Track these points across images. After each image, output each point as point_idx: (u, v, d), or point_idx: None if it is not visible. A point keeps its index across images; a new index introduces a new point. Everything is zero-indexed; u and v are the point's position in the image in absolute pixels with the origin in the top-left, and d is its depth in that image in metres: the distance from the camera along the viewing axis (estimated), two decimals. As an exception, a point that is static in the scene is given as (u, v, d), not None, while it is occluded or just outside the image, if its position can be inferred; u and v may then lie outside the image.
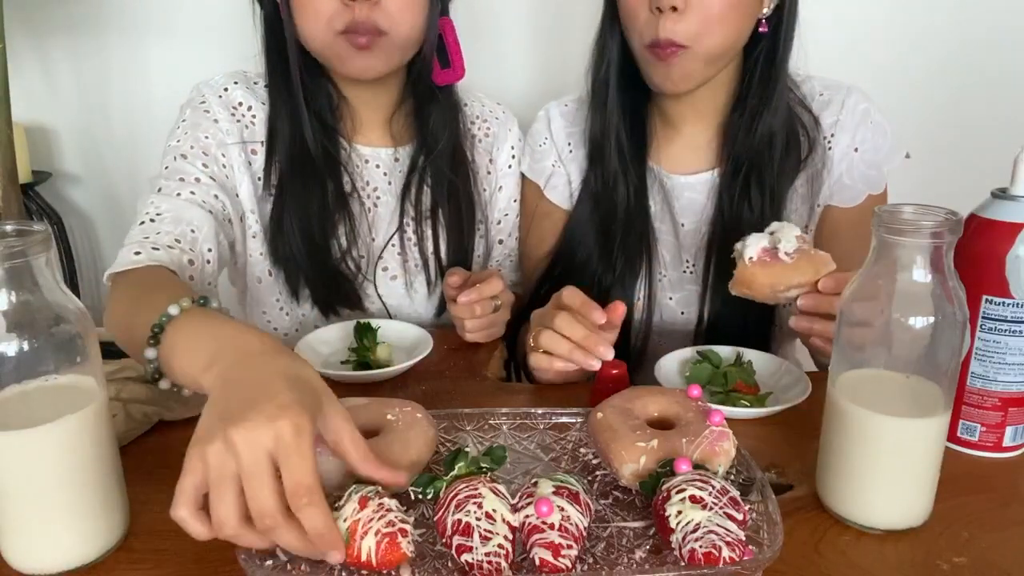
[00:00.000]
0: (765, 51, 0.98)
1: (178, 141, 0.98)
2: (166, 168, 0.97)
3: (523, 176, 1.15)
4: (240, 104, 1.01)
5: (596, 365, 0.80)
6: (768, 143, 0.99)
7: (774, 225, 0.82)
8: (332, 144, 1.03)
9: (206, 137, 0.99)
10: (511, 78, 1.67)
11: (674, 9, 0.88)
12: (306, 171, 1.01)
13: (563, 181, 1.11)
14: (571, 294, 0.83)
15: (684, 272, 1.07)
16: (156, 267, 0.82)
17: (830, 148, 1.02)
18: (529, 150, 1.14)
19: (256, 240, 1.04)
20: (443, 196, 1.07)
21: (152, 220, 0.90)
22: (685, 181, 1.05)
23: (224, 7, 1.65)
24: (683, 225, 1.06)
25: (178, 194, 0.94)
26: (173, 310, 0.66)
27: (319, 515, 0.50)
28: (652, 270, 1.05)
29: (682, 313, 1.08)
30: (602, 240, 1.05)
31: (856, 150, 1.02)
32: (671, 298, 1.08)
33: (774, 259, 0.79)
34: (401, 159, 1.08)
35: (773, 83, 0.98)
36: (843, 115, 1.02)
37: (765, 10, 0.95)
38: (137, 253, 0.83)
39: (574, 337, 0.80)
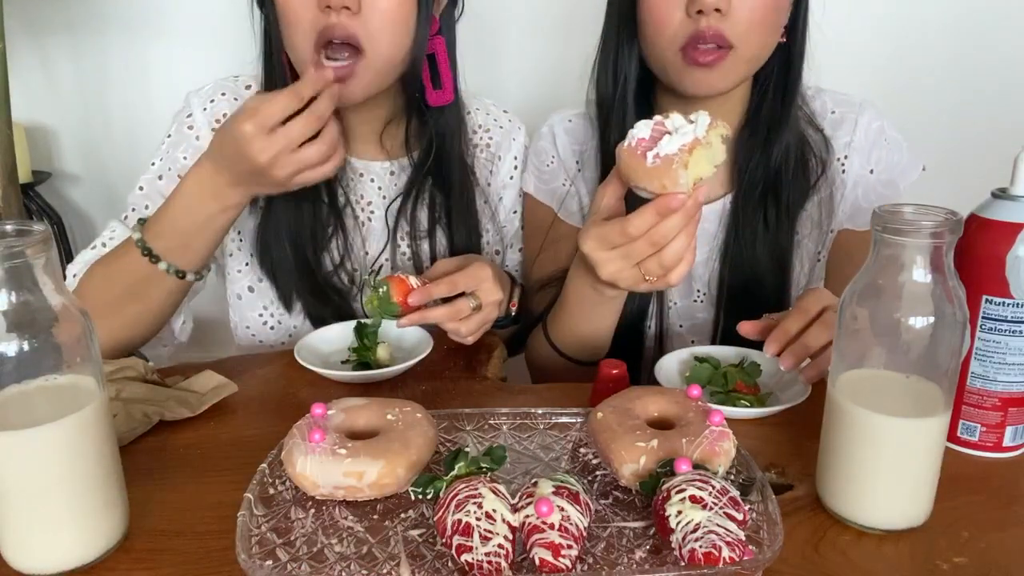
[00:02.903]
0: (779, 64, 0.95)
1: (161, 160, 1.02)
2: (140, 189, 1.02)
3: (532, 196, 1.10)
4: (224, 115, 1.01)
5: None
6: (783, 162, 0.96)
7: (694, 115, 0.74)
8: None
9: (184, 158, 1.01)
10: (513, 85, 1.67)
11: (717, 11, 0.85)
12: None
13: (575, 201, 1.07)
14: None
15: (694, 301, 1.05)
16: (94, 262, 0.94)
17: (843, 171, 0.99)
18: (535, 170, 1.09)
19: (233, 259, 1.05)
20: (441, 210, 1.05)
21: (104, 245, 0.97)
22: None
23: (224, 8, 1.65)
24: None
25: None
26: (136, 235, 0.88)
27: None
28: (663, 297, 1.03)
29: (693, 342, 1.05)
30: None
31: (872, 172, 0.99)
32: (681, 326, 1.06)
33: (643, 154, 0.73)
34: (396, 172, 1.06)
35: (788, 96, 0.96)
36: (856, 136, 0.99)
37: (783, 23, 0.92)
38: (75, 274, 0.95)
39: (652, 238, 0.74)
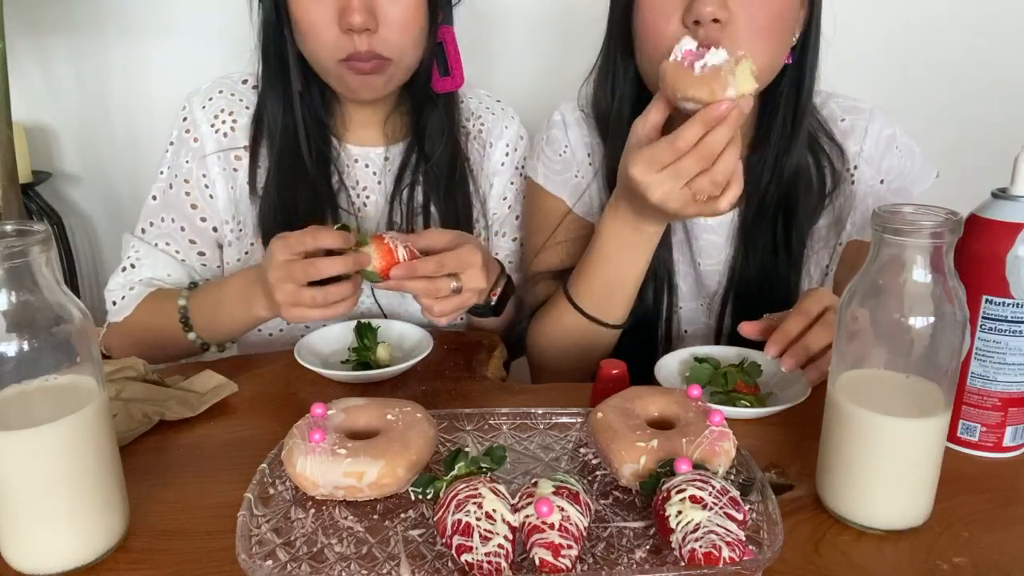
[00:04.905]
0: (790, 83, 0.92)
1: (168, 167, 1.06)
2: (154, 199, 1.06)
3: (535, 186, 1.08)
4: (222, 111, 1.04)
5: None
6: (794, 182, 0.95)
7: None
8: (323, 142, 1.04)
9: (187, 161, 1.05)
10: (511, 82, 1.67)
11: (716, 21, 0.81)
12: (295, 168, 1.01)
13: (588, 194, 1.05)
14: None
15: (700, 306, 1.05)
16: (146, 296, 1.01)
17: (853, 181, 0.98)
18: (546, 159, 1.06)
19: (232, 248, 1.07)
20: (436, 196, 1.06)
21: (133, 266, 1.04)
22: (705, 223, 1.00)
23: (224, 7, 1.65)
24: (699, 265, 1.03)
25: (156, 244, 1.05)
26: (182, 301, 0.96)
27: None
28: (672, 299, 1.02)
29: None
30: None
31: (882, 182, 0.98)
32: (686, 331, 1.06)
33: (689, 65, 0.75)
34: (392, 158, 1.08)
35: (799, 118, 0.93)
36: (867, 144, 0.97)
37: (792, 38, 0.90)
38: (123, 298, 1.01)
39: None
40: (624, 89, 0.96)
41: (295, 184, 1.01)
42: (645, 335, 1.03)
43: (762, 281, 0.98)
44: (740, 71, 0.74)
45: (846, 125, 0.99)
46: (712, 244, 1.01)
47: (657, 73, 0.86)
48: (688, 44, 0.75)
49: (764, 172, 0.95)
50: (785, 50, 0.89)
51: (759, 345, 0.86)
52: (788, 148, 0.94)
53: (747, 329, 0.83)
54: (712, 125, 0.74)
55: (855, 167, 0.98)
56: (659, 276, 1.01)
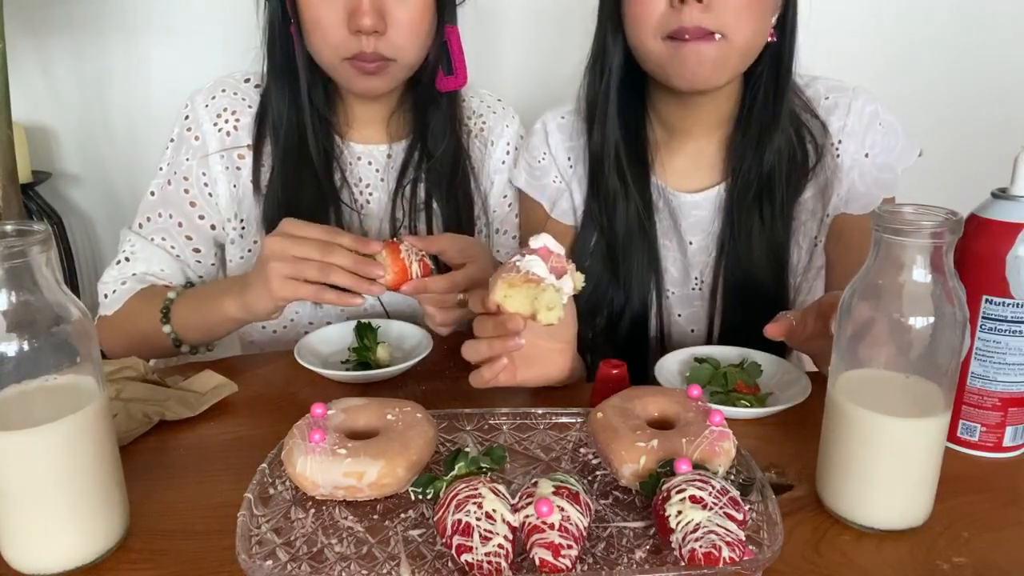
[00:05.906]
0: (770, 61, 0.95)
1: (168, 164, 1.06)
2: (152, 194, 1.07)
3: (521, 191, 1.11)
4: (225, 110, 1.05)
5: (521, 343, 0.73)
6: (777, 162, 0.96)
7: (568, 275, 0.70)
8: (327, 139, 1.05)
9: (187, 159, 1.05)
10: (511, 81, 1.67)
11: (699, 0, 0.83)
12: (299, 165, 1.02)
13: (567, 198, 1.07)
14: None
15: (692, 289, 1.05)
16: (136, 291, 1.01)
17: (838, 155, 0.99)
18: (527, 166, 1.10)
19: (235, 246, 1.07)
20: (438, 193, 1.07)
21: (127, 259, 1.04)
22: (692, 199, 1.02)
23: (224, 6, 1.65)
24: (691, 243, 1.03)
25: (152, 239, 1.05)
26: (172, 295, 0.96)
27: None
28: (661, 289, 1.03)
29: (692, 331, 1.06)
30: (609, 263, 1.02)
31: (867, 155, 0.99)
32: (680, 315, 1.06)
33: (521, 254, 0.69)
34: (395, 155, 1.09)
35: (780, 94, 0.95)
36: (850, 119, 0.99)
37: (772, 16, 0.92)
38: (114, 291, 1.01)
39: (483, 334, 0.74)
40: (614, 66, 0.97)
41: (299, 181, 1.02)
42: (636, 329, 1.04)
43: (752, 259, 0.99)
44: (527, 293, 0.67)
45: (829, 103, 1.01)
46: (701, 219, 1.02)
47: (644, 51, 0.91)
48: (542, 241, 0.69)
49: (748, 148, 0.97)
50: (766, 28, 0.91)
51: (758, 344, 0.86)
52: (771, 124, 0.96)
53: (772, 331, 0.81)
54: (479, 310, 0.74)
55: (839, 141, 1.00)
56: (646, 266, 1.02)
